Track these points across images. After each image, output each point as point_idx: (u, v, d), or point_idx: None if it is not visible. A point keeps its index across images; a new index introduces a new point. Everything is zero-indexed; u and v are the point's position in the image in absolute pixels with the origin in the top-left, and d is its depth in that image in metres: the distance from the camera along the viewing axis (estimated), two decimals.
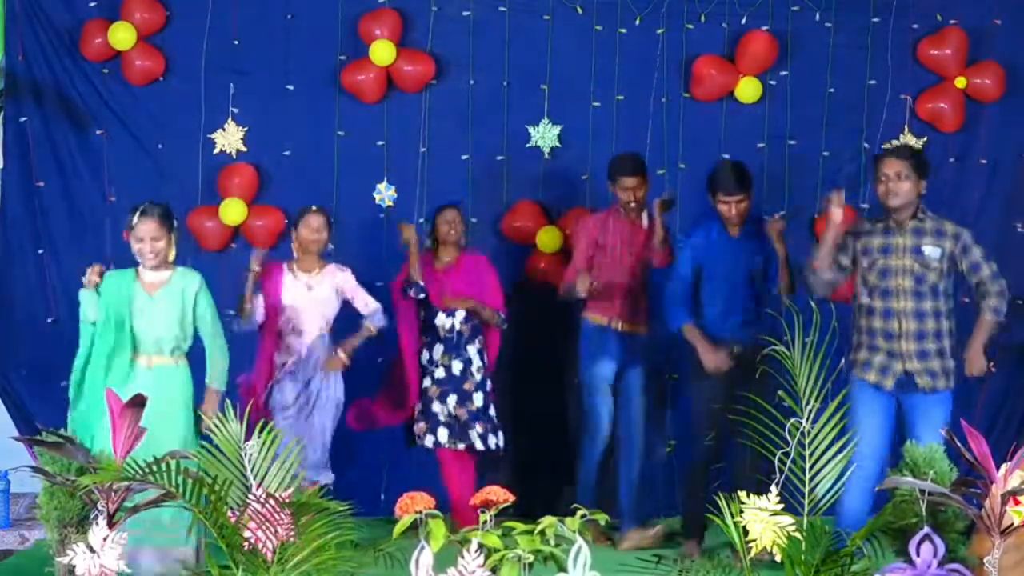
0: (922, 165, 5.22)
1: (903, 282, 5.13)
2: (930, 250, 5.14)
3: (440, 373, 6.19)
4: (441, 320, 6.20)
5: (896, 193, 5.12)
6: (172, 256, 5.25)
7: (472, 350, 6.22)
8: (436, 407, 6.16)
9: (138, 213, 5.15)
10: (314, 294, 5.95)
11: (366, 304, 6.03)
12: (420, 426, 6.19)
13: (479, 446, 6.13)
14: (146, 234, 5.14)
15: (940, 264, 5.14)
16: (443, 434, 6.14)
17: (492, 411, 6.23)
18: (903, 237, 5.17)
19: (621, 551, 5.88)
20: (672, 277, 5.89)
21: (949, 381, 5.18)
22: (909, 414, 5.15)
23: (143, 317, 5.16)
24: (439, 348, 6.20)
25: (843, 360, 5.23)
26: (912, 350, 5.13)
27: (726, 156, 6.68)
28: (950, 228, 5.20)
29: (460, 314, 6.19)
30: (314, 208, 5.99)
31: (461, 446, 6.14)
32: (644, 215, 6.10)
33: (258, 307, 5.88)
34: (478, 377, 6.21)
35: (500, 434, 6.22)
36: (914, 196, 5.16)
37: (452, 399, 6.15)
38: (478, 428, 6.14)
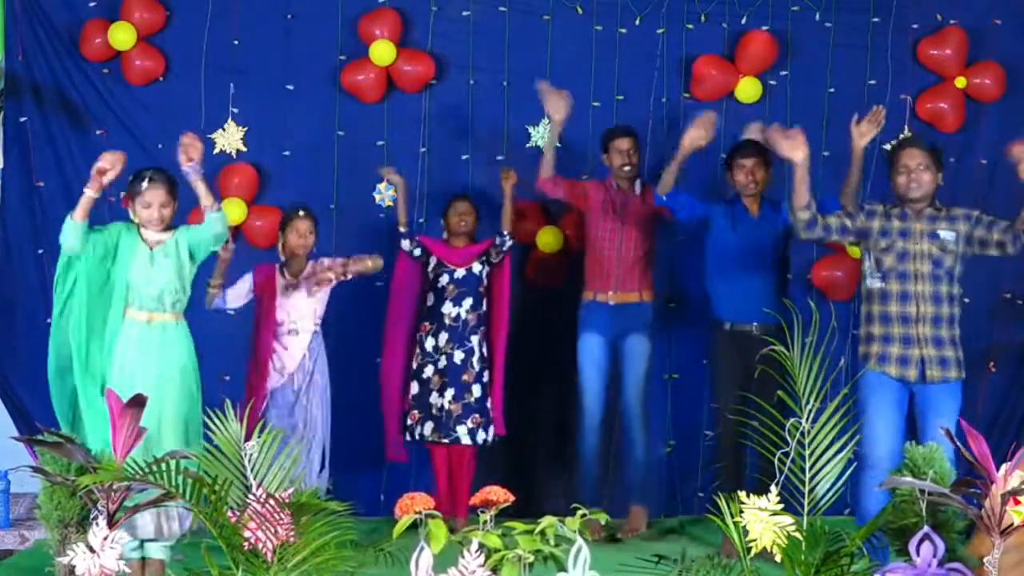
0: (940, 157, 5.24)
1: (922, 266, 5.13)
2: (945, 234, 5.15)
3: (443, 362, 6.20)
4: (448, 308, 6.21)
5: (919, 184, 5.13)
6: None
7: (475, 340, 6.24)
8: (433, 398, 6.18)
9: (147, 180, 5.18)
10: (303, 293, 5.96)
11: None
12: (415, 414, 6.21)
13: (466, 441, 6.15)
14: (155, 200, 5.18)
15: (956, 248, 5.15)
16: (428, 427, 6.17)
17: (488, 403, 6.25)
18: (920, 222, 5.17)
19: (624, 536, 5.99)
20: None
21: (961, 371, 5.18)
22: (922, 405, 5.12)
23: (143, 272, 5.15)
24: (444, 336, 6.22)
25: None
26: (928, 335, 5.11)
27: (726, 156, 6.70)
28: (960, 210, 5.23)
29: (467, 303, 6.22)
30: (301, 213, 5.97)
31: (446, 441, 6.15)
32: (637, 184, 6.20)
33: (229, 293, 5.92)
34: (478, 368, 6.23)
35: (491, 428, 6.24)
36: (933, 188, 5.18)
37: (450, 393, 6.16)
38: (469, 423, 6.16)
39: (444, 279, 6.26)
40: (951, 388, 5.13)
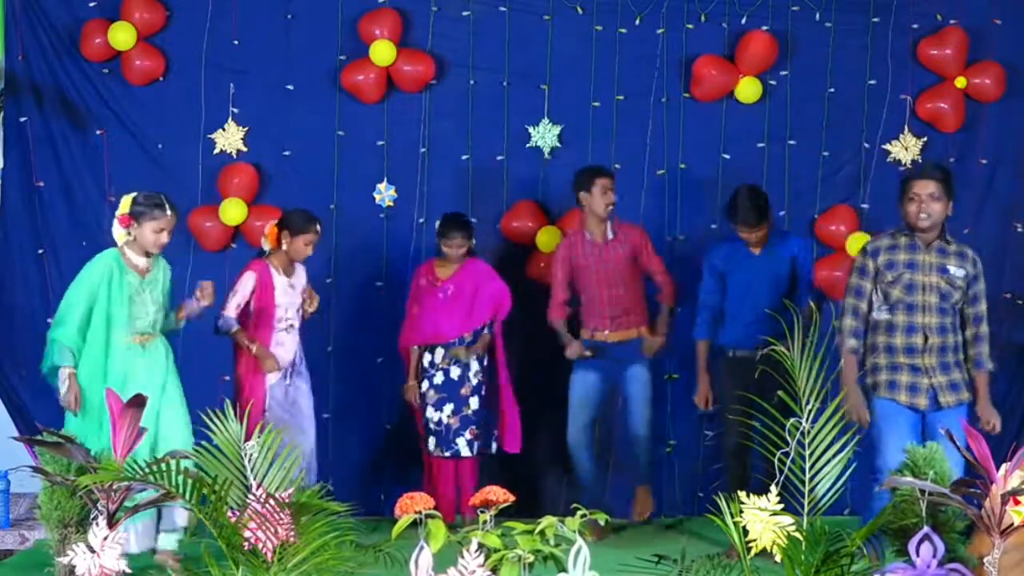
0: (952, 186, 5.15)
1: (930, 298, 5.07)
2: (955, 270, 5.09)
3: (439, 378, 6.22)
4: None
5: (929, 214, 5.03)
6: None
7: (471, 356, 6.27)
8: (429, 413, 6.20)
9: (168, 208, 5.25)
10: (295, 293, 5.96)
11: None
12: (423, 427, 6.26)
13: (464, 453, 6.18)
14: (168, 226, 5.26)
15: (964, 284, 5.10)
16: (431, 442, 6.19)
17: (487, 415, 6.27)
18: (928, 255, 5.10)
19: (637, 518, 6.11)
20: (701, 290, 6.02)
21: (969, 392, 5.16)
22: (934, 427, 5.07)
23: (139, 300, 5.25)
24: (440, 352, 6.23)
25: (866, 362, 5.19)
26: (935, 364, 5.08)
27: (726, 156, 6.70)
28: (970, 252, 5.16)
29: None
30: (318, 228, 5.92)
31: (447, 454, 6.18)
32: (608, 228, 6.13)
33: (231, 305, 5.85)
34: (475, 381, 6.24)
35: (491, 440, 6.28)
36: (943, 218, 5.09)
37: (448, 408, 6.19)
38: (467, 435, 6.18)
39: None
40: (961, 410, 5.11)
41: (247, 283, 5.85)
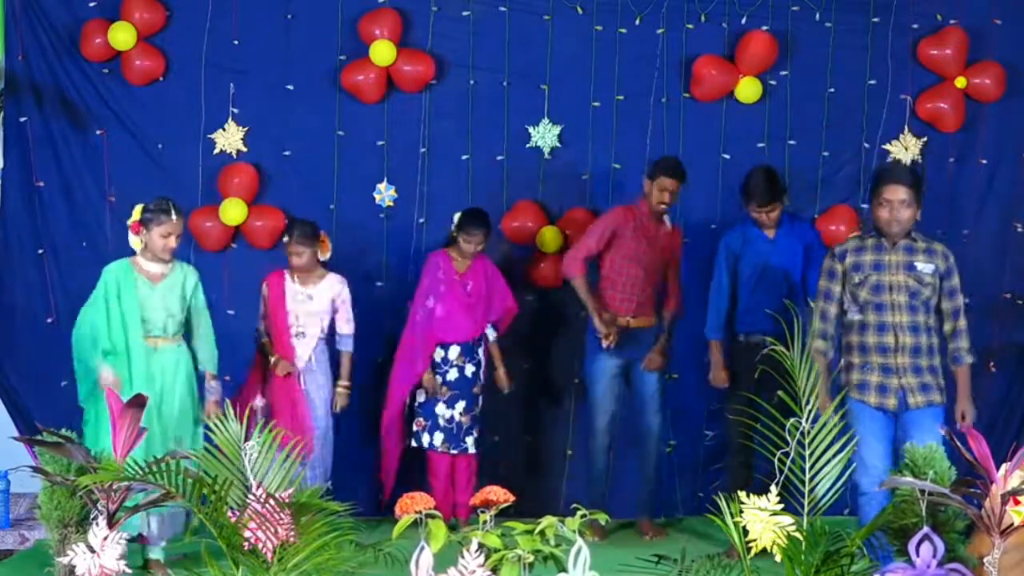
0: (921, 191, 5.13)
1: (898, 297, 5.05)
2: (923, 266, 5.06)
3: (453, 375, 6.23)
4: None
5: (899, 220, 5.02)
6: None
7: (481, 352, 6.32)
8: (440, 409, 6.20)
9: (174, 212, 5.36)
10: (313, 304, 6.04)
11: (347, 321, 6.12)
12: (419, 421, 6.26)
13: (472, 450, 6.25)
14: (175, 231, 5.38)
15: (933, 280, 5.08)
16: (438, 438, 6.20)
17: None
18: (895, 254, 5.08)
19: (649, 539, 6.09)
20: (713, 288, 6.04)
21: (943, 397, 5.13)
22: (905, 427, 5.06)
23: (149, 304, 5.36)
24: (455, 350, 6.24)
25: (842, 359, 5.21)
26: (907, 364, 5.05)
27: (726, 156, 6.71)
28: (939, 248, 5.14)
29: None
30: (296, 236, 5.97)
31: (454, 451, 6.20)
32: (667, 219, 6.23)
33: (260, 320, 6.09)
34: (483, 379, 6.30)
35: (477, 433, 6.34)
36: (912, 223, 5.09)
37: (460, 405, 6.21)
38: (475, 433, 6.23)
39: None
40: (934, 411, 5.06)
41: (263, 293, 6.08)
